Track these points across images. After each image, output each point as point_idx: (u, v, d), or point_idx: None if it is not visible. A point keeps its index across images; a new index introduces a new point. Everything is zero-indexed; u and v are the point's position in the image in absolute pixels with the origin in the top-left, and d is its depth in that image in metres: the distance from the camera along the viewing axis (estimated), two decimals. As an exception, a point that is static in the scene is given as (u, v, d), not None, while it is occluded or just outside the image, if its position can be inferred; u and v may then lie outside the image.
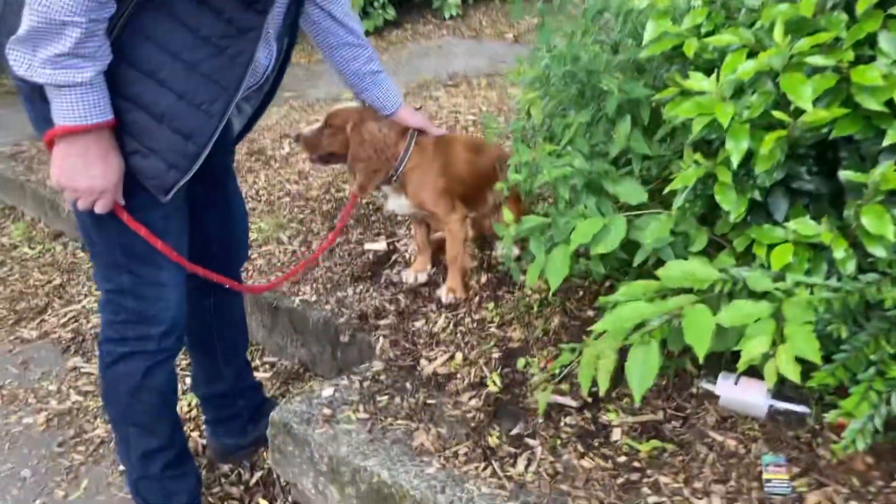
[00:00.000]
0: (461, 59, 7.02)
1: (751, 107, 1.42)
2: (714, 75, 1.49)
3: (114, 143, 1.61)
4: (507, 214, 1.78)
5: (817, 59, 1.33)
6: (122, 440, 2.02)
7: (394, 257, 2.90)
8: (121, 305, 1.83)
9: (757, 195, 1.54)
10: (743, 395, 1.87)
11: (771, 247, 1.55)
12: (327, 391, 2.12)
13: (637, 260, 1.70)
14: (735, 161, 1.39)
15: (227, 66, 1.64)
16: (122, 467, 2.33)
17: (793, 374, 1.28)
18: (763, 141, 1.36)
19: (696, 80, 1.49)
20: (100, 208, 1.63)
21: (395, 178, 2.40)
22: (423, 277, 2.68)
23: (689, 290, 1.55)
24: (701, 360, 1.37)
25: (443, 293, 2.53)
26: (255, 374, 2.80)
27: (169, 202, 1.72)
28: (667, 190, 1.61)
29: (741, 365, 1.36)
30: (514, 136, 2.08)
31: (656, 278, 1.75)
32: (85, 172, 1.57)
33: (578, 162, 1.75)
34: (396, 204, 2.48)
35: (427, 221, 2.65)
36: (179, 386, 2.66)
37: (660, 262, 1.78)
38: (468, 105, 5.02)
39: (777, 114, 1.36)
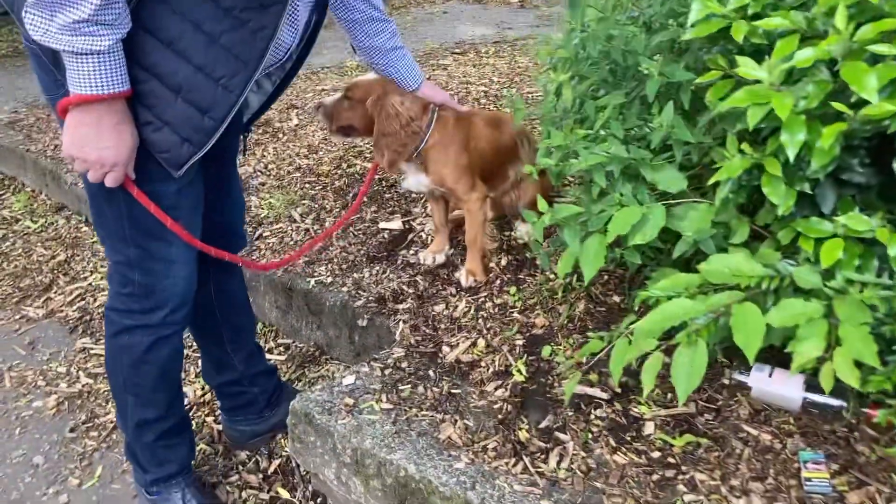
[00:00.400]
0: (466, 25, 6.90)
1: (808, 97, 1.36)
2: (767, 62, 1.43)
3: (128, 114, 1.56)
4: (542, 202, 1.73)
5: (882, 48, 1.27)
6: (119, 406, 2.02)
7: (410, 237, 2.85)
8: (128, 278, 1.80)
9: (807, 187, 1.49)
10: (777, 387, 1.83)
11: (818, 241, 1.50)
12: (348, 379, 2.09)
13: (677, 252, 1.65)
14: (791, 154, 1.34)
15: (249, 41, 1.59)
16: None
17: (852, 378, 1.25)
18: (822, 134, 1.30)
19: (748, 67, 1.43)
20: (110, 181, 1.59)
21: (416, 155, 2.35)
22: (440, 259, 2.63)
23: (733, 286, 1.51)
24: (752, 363, 1.33)
25: (462, 276, 2.49)
26: (270, 356, 2.77)
27: (182, 177, 1.68)
28: (711, 181, 1.56)
29: (794, 369, 1.32)
30: (543, 119, 2.01)
31: (689, 267, 1.71)
32: (96, 143, 1.53)
33: (616, 148, 1.69)
34: (416, 181, 2.43)
35: (445, 199, 2.59)
36: (192, 369, 2.65)
37: (696, 252, 1.74)
38: (478, 75, 4.93)
39: (838, 105, 1.30)
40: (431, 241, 2.71)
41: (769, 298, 1.50)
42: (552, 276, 2.43)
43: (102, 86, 1.47)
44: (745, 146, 1.53)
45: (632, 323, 1.80)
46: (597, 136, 1.86)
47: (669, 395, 1.94)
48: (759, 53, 1.59)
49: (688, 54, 1.79)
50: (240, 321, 2.23)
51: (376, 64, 2.19)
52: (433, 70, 5.22)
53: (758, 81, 1.40)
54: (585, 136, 1.86)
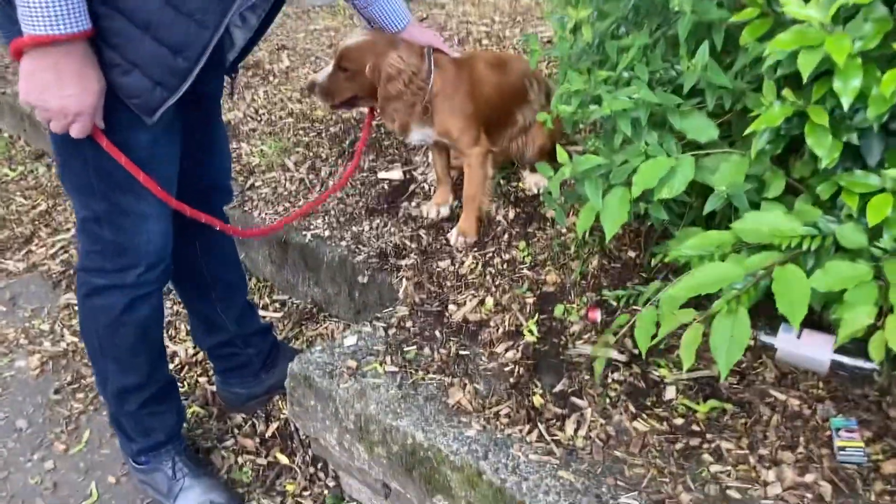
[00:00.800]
0: (463, -43, 6.61)
1: (864, 38, 1.24)
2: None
3: (92, 57, 1.42)
4: (562, 153, 1.62)
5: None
6: (98, 373, 1.93)
7: (411, 188, 2.74)
8: (97, 234, 1.68)
9: (854, 138, 1.38)
10: (806, 349, 1.75)
11: (863, 196, 1.40)
12: (350, 340, 2.01)
13: (708, 208, 1.55)
14: (846, 103, 1.23)
15: None
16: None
17: (905, 349, 1.16)
18: (883, 80, 1.19)
19: (795, 5, 1.30)
20: (75, 132, 1.46)
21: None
22: (444, 211, 2.52)
23: (768, 245, 1.41)
24: (797, 330, 1.24)
25: (453, 235, 2.38)
26: (264, 313, 2.68)
27: (156, 125, 1.55)
28: (748, 131, 1.44)
29: (841, 338, 1.23)
30: (560, 62, 1.88)
31: (712, 222, 1.61)
32: (57, 91, 1.39)
33: (644, 93, 1.57)
34: (421, 134, 2.30)
35: (448, 148, 2.48)
36: (183, 326, 2.56)
37: (724, 207, 1.64)
38: (478, 14, 4.75)
39: (900, 47, 1.19)
40: (434, 192, 2.60)
41: (810, 259, 1.40)
42: (564, 231, 2.33)
43: (59, 25, 1.32)
44: (786, 92, 1.42)
45: (659, 290, 1.71)
46: (619, 79, 1.74)
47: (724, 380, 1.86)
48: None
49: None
50: (229, 277, 2.12)
51: (360, 3, 2.03)
52: (430, 9, 5.03)
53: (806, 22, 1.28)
54: (607, 80, 1.74)
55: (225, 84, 1.90)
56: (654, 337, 1.48)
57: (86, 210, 1.66)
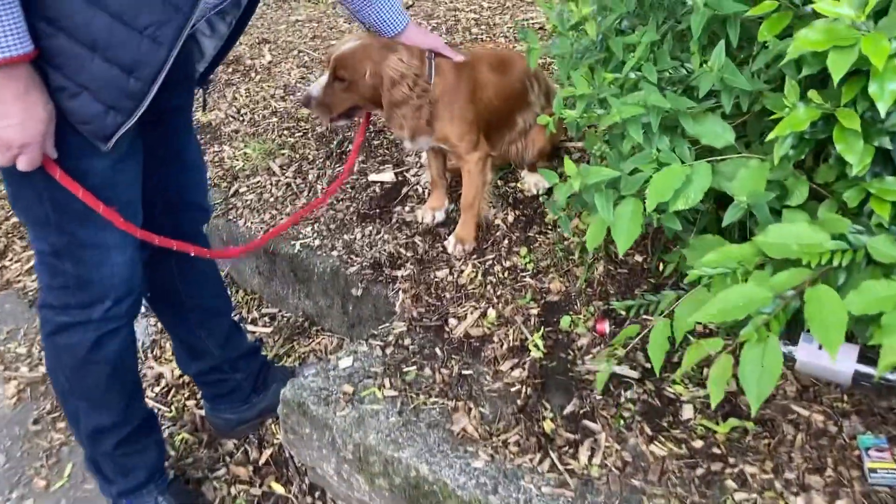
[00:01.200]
0: (451, -57, 6.48)
1: (900, 36, 1.14)
2: (845, -7, 1.21)
3: (37, 81, 1.30)
4: (569, 165, 1.52)
5: None
6: (69, 414, 1.80)
7: (404, 190, 2.64)
8: (58, 268, 1.56)
9: (887, 142, 1.29)
10: (827, 360, 1.67)
11: (895, 205, 1.32)
12: (345, 361, 1.91)
13: (727, 220, 1.46)
14: (883, 109, 1.14)
15: None
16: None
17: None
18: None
19: (825, 2, 1.20)
20: (23, 165, 1.34)
21: None
22: (440, 216, 2.43)
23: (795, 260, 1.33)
24: (833, 361, 1.16)
25: (450, 243, 2.29)
26: (254, 328, 2.58)
27: (115, 148, 1.42)
28: (770, 137, 1.35)
29: (882, 368, 1.15)
30: (559, 61, 1.78)
31: (723, 227, 1.52)
32: None
33: (655, 97, 1.48)
34: (426, 140, 2.19)
35: (444, 151, 2.38)
36: (168, 345, 2.45)
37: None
38: (466, 0, 4.63)
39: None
40: (429, 195, 2.50)
41: (840, 275, 1.32)
42: (566, 235, 2.24)
43: None
44: (812, 94, 1.33)
45: (672, 302, 1.63)
46: (625, 80, 1.64)
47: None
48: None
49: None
50: (211, 302, 2.00)
51: (353, 6, 1.91)
52: (416, -3, 4.91)
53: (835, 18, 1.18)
54: (613, 81, 1.64)
55: (196, 96, 1.78)
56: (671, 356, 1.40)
57: (43, 243, 1.54)
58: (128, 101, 1.35)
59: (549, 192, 2.46)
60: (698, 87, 1.55)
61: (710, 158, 1.52)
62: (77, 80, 1.32)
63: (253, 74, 3.78)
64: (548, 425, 1.67)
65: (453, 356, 1.92)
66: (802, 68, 1.34)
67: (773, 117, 1.41)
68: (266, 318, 2.62)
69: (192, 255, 1.75)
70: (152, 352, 2.53)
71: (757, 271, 1.37)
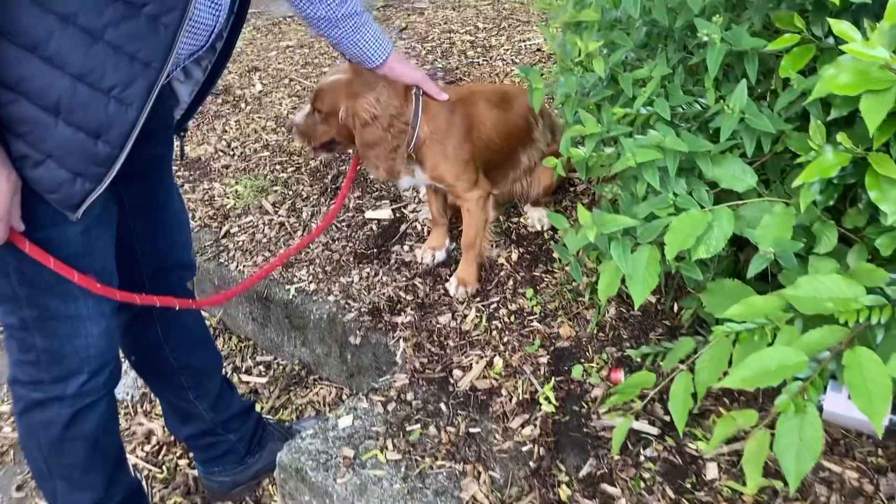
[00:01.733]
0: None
1: (939, 79, 1.06)
2: (877, 30, 1.13)
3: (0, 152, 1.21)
4: (583, 213, 1.43)
5: None
6: (47, 493, 1.68)
7: (402, 228, 2.55)
8: (28, 343, 1.46)
9: (923, 188, 1.21)
10: (859, 411, 1.58)
11: (934, 253, 1.24)
12: (345, 420, 1.82)
13: (752, 271, 1.37)
14: (924, 161, 1.06)
15: (147, 32, 1.22)
16: None
17: None
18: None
19: (857, 42, 1.12)
20: None
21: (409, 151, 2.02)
22: (440, 256, 2.34)
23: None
24: (880, 435, 1.07)
25: (452, 285, 2.21)
26: (248, 378, 2.49)
27: (86, 214, 1.33)
28: (796, 183, 1.27)
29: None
30: (565, 100, 1.70)
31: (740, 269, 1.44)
32: None
33: (672, 139, 1.39)
34: (409, 179, 2.11)
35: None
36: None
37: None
38: (460, 20, 4.58)
39: None
40: (428, 233, 2.42)
41: (878, 332, 1.23)
42: (575, 281, 2.15)
43: None
44: (841, 137, 1.24)
45: (694, 350, 1.54)
46: (636, 117, 1.56)
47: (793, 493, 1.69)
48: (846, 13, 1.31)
49: (754, 9, 1.48)
50: (199, 361, 1.90)
51: (329, 36, 1.81)
52: (409, 15, 4.85)
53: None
54: (623, 118, 1.56)
55: (175, 144, 1.68)
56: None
57: (11, 317, 1.44)
58: (96, 167, 1.26)
59: (554, 228, 2.37)
60: (713, 123, 1.48)
61: (730, 203, 1.44)
62: (40, 147, 1.22)
63: (243, 105, 3.71)
64: (563, 491, 1.58)
65: (459, 412, 1.82)
66: (830, 110, 1.27)
67: (798, 161, 1.34)
68: (261, 367, 2.52)
69: (178, 309, 1.66)
70: (142, 406, 2.44)
71: (787, 326, 1.29)
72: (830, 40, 1.37)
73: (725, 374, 1.43)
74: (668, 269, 1.57)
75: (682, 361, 1.62)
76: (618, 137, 1.53)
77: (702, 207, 1.43)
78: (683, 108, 1.58)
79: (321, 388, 2.36)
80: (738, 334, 1.30)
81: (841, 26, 1.18)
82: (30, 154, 1.23)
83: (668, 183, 1.47)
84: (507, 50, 3.87)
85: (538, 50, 3.82)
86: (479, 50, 3.93)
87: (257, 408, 2.27)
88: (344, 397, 2.33)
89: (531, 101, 1.73)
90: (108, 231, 1.46)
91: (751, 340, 1.30)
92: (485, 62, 3.74)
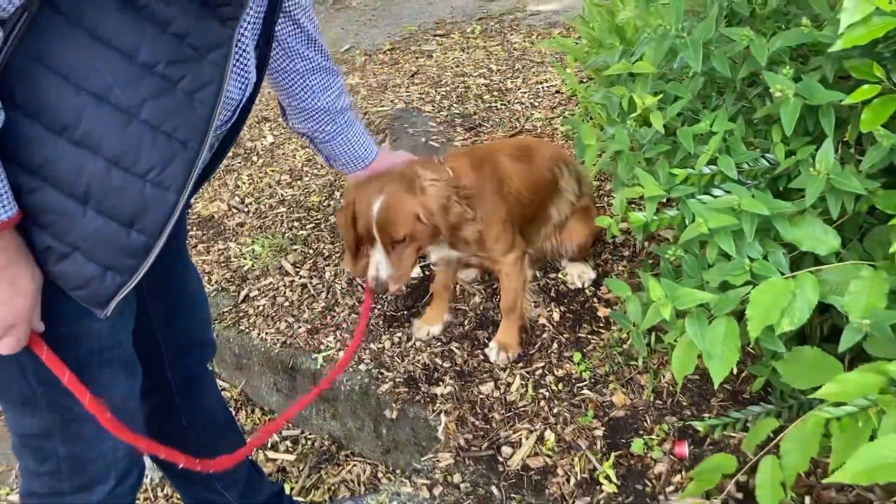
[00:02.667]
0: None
1: None
2: None
3: (23, 248, 1.10)
4: (654, 287, 1.33)
5: None
6: None
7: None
8: (48, 452, 1.32)
9: None
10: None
11: None
12: (388, 508, 1.70)
13: (844, 345, 1.26)
14: None
15: (185, 108, 1.14)
16: None
17: None
18: None
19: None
20: (6, 348, 1.12)
21: None
22: (436, 331, 2.24)
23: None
24: None
25: (493, 351, 2.11)
26: (275, 454, 2.37)
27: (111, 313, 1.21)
28: (893, 249, 1.17)
29: None
30: (614, 155, 1.60)
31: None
32: None
33: (748, 201, 1.30)
34: (444, 253, 2.01)
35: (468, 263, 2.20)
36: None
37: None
38: (472, 62, 4.52)
39: None
40: (427, 306, 2.31)
41: None
42: (625, 334, 2.05)
43: None
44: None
45: (780, 430, 1.43)
46: (700, 176, 1.47)
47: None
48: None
49: (826, 60, 1.40)
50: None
51: (322, 133, 1.67)
52: (417, 58, 4.80)
53: None
54: (684, 179, 1.47)
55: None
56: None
57: (28, 426, 1.31)
58: (129, 258, 1.16)
59: (596, 283, 2.27)
60: (792, 184, 1.38)
61: (810, 268, 1.34)
62: (66, 239, 1.12)
63: (255, 158, 3.63)
64: (639, 589, 1.46)
65: (513, 495, 1.71)
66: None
67: (892, 223, 1.24)
68: (288, 443, 2.40)
69: (201, 378, 1.57)
70: (162, 490, 2.31)
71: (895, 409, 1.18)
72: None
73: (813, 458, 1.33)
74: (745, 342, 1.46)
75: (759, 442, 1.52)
76: (681, 198, 1.44)
77: (780, 273, 1.33)
78: (749, 165, 1.49)
79: (354, 464, 2.24)
80: (839, 420, 1.19)
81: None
82: (54, 246, 1.11)
83: (742, 247, 1.37)
84: (525, 93, 3.80)
85: (557, 92, 3.75)
86: (495, 94, 3.86)
87: (287, 489, 2.15)
88: (379, 475, 2.20)
89: (580, 156, 1.64)
90: (132, 318, 1.36)
91: (853, 426, 1.19)
92: (503, 106, 3.67)
